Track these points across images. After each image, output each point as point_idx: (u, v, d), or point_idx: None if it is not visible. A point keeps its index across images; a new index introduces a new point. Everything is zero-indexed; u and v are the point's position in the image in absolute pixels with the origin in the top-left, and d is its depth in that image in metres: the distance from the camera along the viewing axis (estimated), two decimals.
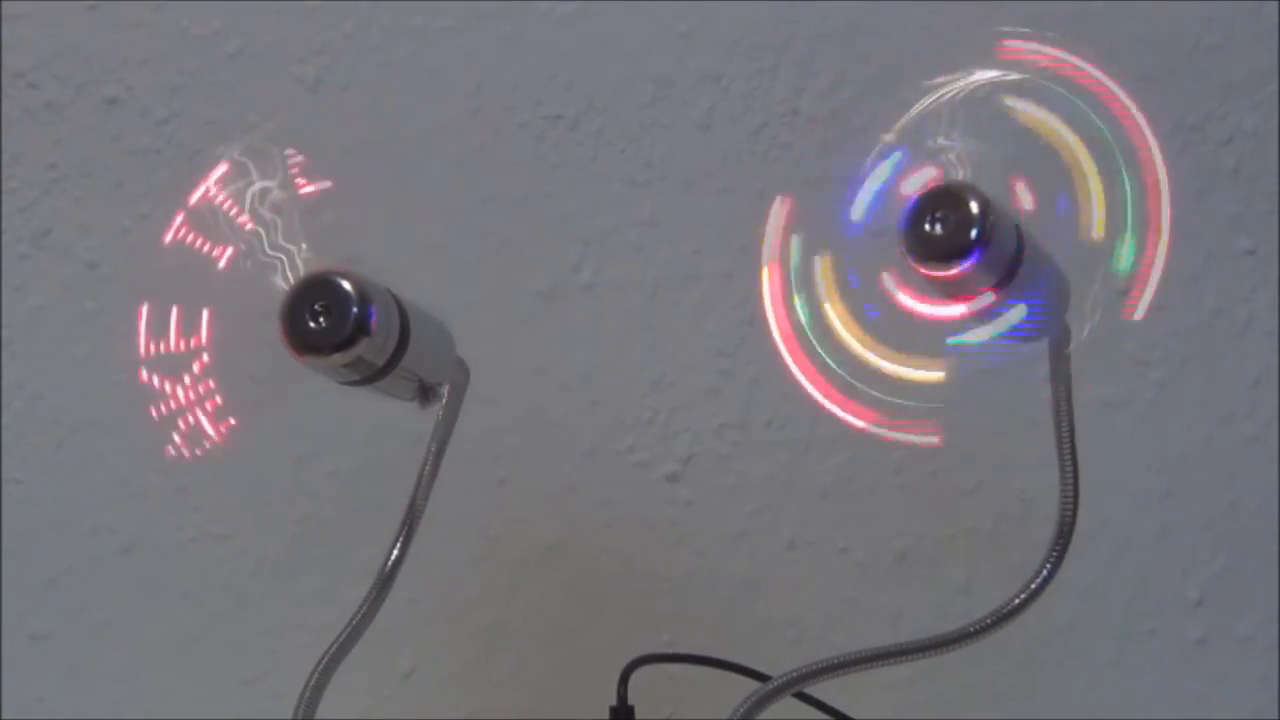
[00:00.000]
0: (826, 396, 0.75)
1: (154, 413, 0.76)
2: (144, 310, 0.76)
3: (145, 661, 1.10)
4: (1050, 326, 0.74)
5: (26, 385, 1.10)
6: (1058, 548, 0.74)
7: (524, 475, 1.10)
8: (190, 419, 0.76)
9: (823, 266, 0.74)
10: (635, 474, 1.11)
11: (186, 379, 0.76)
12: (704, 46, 1.12)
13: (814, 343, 0.74)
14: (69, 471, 1.10)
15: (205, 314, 0.76)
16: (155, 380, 0.76)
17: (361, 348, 0.74)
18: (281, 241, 0.76)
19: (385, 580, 0.80)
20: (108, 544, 1.10)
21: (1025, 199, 0.73)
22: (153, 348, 0.76)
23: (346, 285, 0.73)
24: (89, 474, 1.10)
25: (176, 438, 0.76)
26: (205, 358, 0.76)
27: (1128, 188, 0.71)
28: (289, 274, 0.75)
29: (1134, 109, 0.72)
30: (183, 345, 0.76)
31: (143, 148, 1.11)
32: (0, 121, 1.11)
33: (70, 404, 1.10)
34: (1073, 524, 0.74)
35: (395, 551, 0.80)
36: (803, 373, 0.75)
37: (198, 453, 0.76)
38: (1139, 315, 0.69)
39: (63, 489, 1.10)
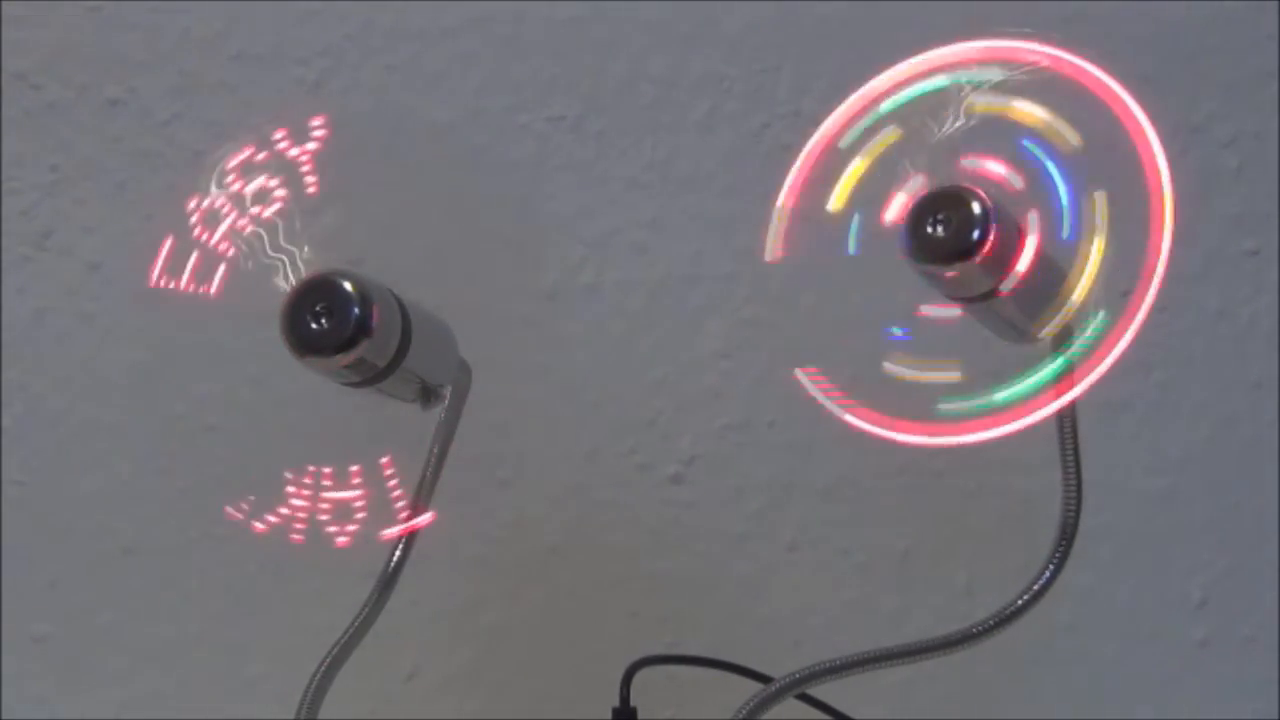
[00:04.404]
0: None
1: (297, 539, 0.76)
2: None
3: (147, 663, 1.10)
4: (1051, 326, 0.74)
5: (28, 387, 1.10)
6: (1060, 549, 0.74)
7: (526, 476, 1.10)
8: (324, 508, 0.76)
9: None
10: (637, 475, 1.11)
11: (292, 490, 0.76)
12: (706, 47, 1.12)
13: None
14: (70, 473, 1.10)
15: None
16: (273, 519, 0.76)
17: (363, 349, 0.74)
18: (282, 243, 0.76)
19: (387, 582, 0.80)
20: (109, 545, 1.10)
21: (1027, 199, 0.73)
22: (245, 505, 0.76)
23: (348, 286, 0.73)
24: (90, 475, 1.10)
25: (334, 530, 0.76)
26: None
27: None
28: (290, 275, 0.75)
29: (1136, 109, 0.72)
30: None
31: (145, 149, 1.11)
32: (1, 122, 1.11)
33: (72, 405, 1.10)
34: (1075, 525, 0.74)
35: (397, 553, 0.80)
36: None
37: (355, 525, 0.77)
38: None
39: (64, 490, 1.10)
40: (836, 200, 0.75)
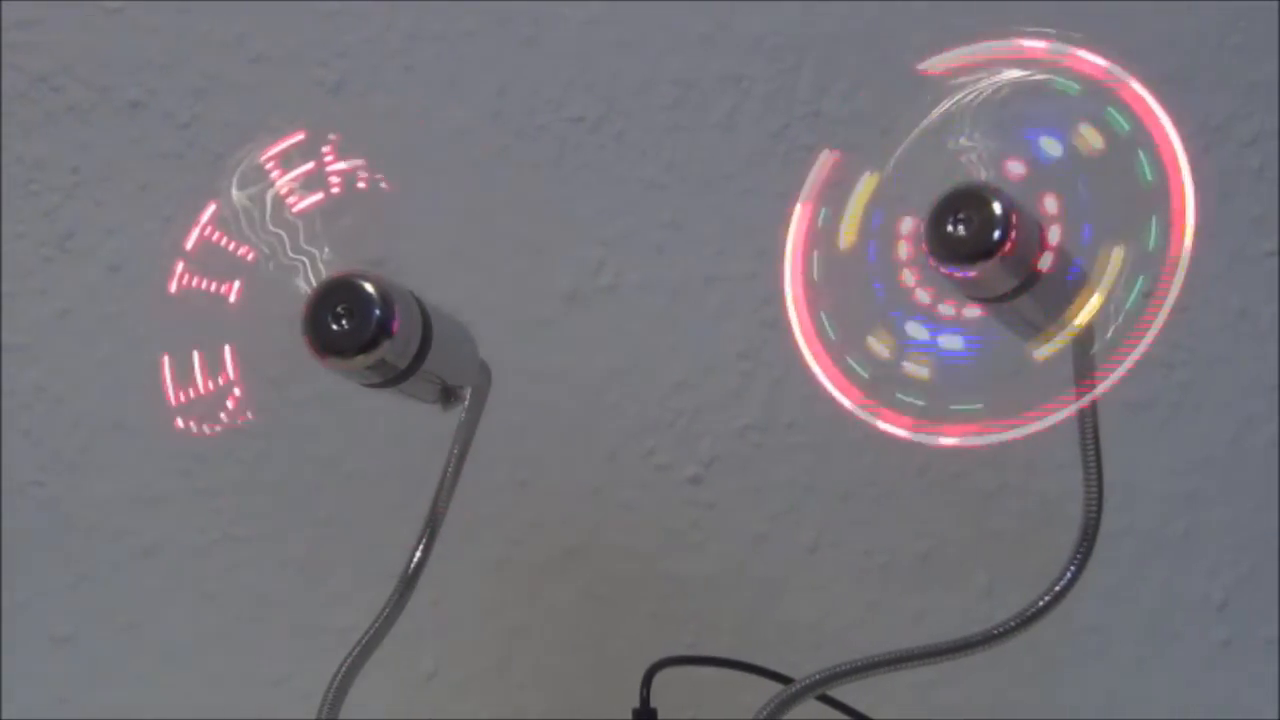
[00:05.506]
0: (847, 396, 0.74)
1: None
2: (166, 361, 0.77)
3: (168, 663, 1.10)
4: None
5: (49, 388, 1.11)
6: (1082, 550, 0.74)
7: (546, 477, 1.10)
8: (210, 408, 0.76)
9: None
10: (657, 476, 1.11)
11: (223, 417, 0.77)
12: (725, 48, 1.12)
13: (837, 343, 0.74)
14: (91, 474, 1.10)
15: (228, 350, 0.76)
16: (192, 427, 0.76)
17: (384, 350, 0.74)
18: (304, 244, 0.76)
19: (408, 582, 0.80)
20: (130, 546, 1.10)
21: (1048, 200, 0.72)
22: (181, 395, 0.77)
23: (369, 287, 0.74)
24: (111, 476, 1.10)
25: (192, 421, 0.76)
26: (236, 392, 0.76)
27: (1149, 176, 0.70)
28: (311, 277, 0.76)
29: (1157, 109, 0.71)
30: (211, 386, 0.77)
31: (165, 151, 1.11)
32: (19, 125, 1.11)
33: (93, 407, 1.10)
34: (1097, 526, 0.74)
35: (418, 554, 0.80)
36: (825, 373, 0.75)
37: (213, 429, 0.76)
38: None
39: (85, 491, 1.10)
40: (846, 236, 0.75)
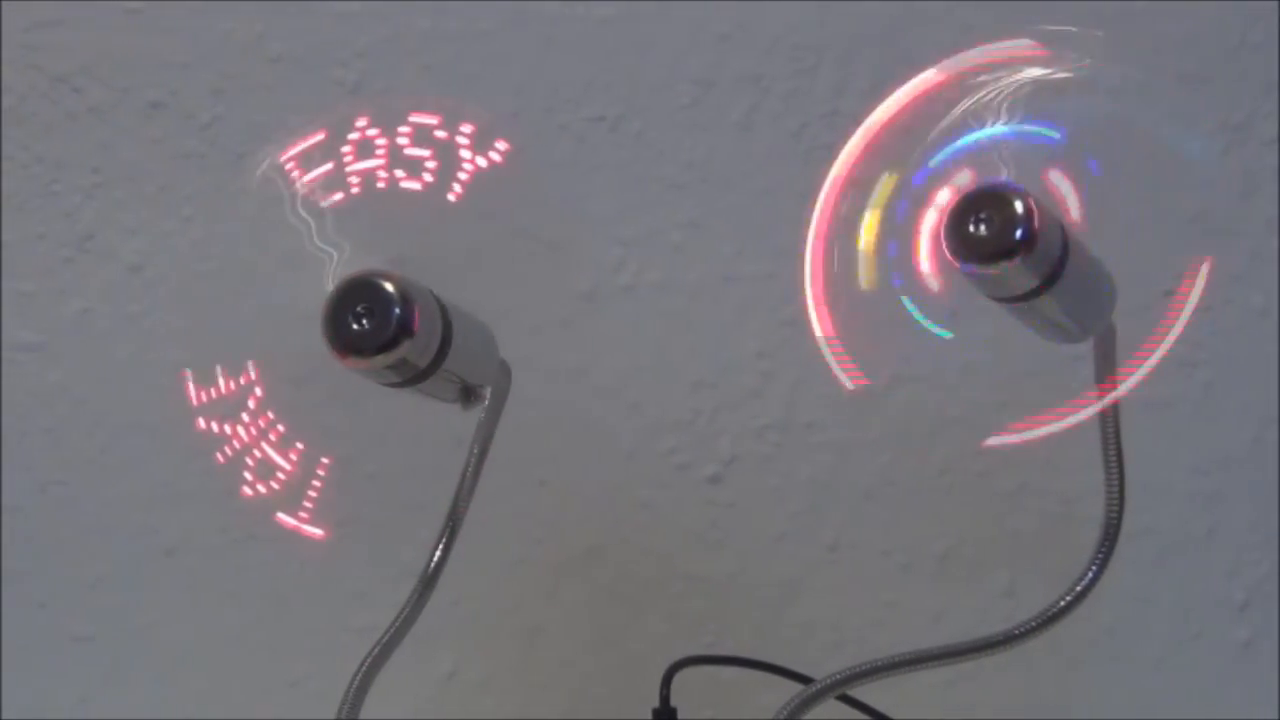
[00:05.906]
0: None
1: (219, 458, 0.77)
2: (188, 375, 0.77)
3: (188, 663, 1.10)
4: (1095, 327, 0.74)
5: (70, 388, 1.11)
6: (1103, 549, 0.74)
7: (565, 477, 1.10)
8: (257, 454, 0.77)
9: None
10: (676, 475, 1.11)
11: (245, 417, 0.77)
12: (744, 47, 1.12)
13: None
14: (112, 474, 1.11)
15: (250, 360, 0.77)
16: (214, 427, 0.77)
17: (404, 349, 0.74)
18: (323, 244, 0.76)
19: (427, 582, 0.80)
20: (151, 546, 1.10)
21: (1070, 198, 0.72)
22: (203, 397, 0.77)
23: (389, 287, 0.74)
24: (132, 476, 1.10)
25: (248, 475, 0.77)
26: (258, 392, 0.77)
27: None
28: (331, 276, 0.76)
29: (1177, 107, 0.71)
30: (232, 387, 0.77)
31: (186, 151, 1.11)
32: (40, 125, 1.11)
33: (113, 407, 1.11)
34: (1118, 526, 0.74)
35: (437, 553, 0.80)
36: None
37: (274, 485, 0.77)
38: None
39: (106, 491, 1.11)
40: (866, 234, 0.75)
